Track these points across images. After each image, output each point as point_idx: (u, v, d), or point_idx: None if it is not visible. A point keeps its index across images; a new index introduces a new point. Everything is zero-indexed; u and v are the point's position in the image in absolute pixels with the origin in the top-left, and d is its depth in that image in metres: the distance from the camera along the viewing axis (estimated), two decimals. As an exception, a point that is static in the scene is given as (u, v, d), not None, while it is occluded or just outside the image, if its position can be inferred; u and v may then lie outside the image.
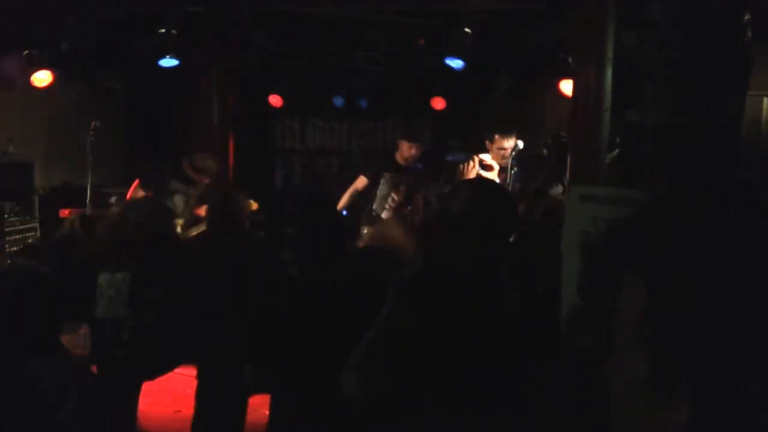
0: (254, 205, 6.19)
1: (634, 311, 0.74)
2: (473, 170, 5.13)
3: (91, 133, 5.90)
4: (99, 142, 6.07)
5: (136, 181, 5.94)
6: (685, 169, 2.37)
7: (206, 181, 6.03)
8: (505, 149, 5.15)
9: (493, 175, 5.00)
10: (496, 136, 5.34)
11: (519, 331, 2.16)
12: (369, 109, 9.01)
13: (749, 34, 2.55)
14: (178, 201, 5.96)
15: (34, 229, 6.33)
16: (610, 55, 2.38)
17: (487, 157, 5.10)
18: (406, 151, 6.06)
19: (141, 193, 5.84)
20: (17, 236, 6.16)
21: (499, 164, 5.25)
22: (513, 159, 4.94)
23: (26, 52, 6.45)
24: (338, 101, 8.88)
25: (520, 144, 4.88)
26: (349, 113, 9.29)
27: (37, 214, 6.49)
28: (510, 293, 2.22)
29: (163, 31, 6.61)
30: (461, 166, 5.33)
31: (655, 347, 0.72)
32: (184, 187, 5.99)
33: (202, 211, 5.36)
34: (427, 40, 7.31)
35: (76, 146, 6.56)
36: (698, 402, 0.68)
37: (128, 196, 5.87)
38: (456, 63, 6.69)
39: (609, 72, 2.38)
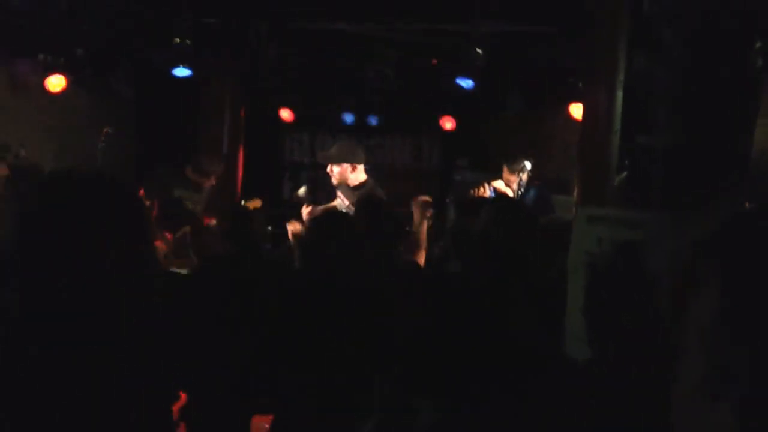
0: (258, 203, 6.19)
1: (705, 315, 0.75)
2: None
3: (103, 139, 5.94)
4: (110, 149, 6.11)
5: (140, 192, 5.95)
6: (694, 192, 2.38)
7: (213, 183, 6.02)
8: (511, 182, 5.19)
9: None
10: (505, 167, 5.37)
11: (527, 345, 2.16)
12: (378, 126, 9.05)
13: (760, 60, 2.56)
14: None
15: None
16: (620, 78, 2.39)
17: (500, 184, 5.06)
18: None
19: (146, 203, 5.84)
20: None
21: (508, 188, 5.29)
22: (520, 181, 4.97)
23: (41, 56, 6.52)
24: (348, 117, 8.92)
25: (528, 165, 4.91)
26: (358, 129, 9.33)
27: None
28: (523, 308, 2.23)
29: (178, 40, 6.68)
30: (472, 191, 5.36)
31: (716, 351, 0.73)
32: (189, 194, 5.98)
33: (212, 220, 5.39)
34: (438, 60, 7.36)
35: (87, 152, 6.60)
36: (746, 410, 0.69)
37: None
38: (466, 83, 6.72)
39: (619, 95, 2.40)
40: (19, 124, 6.88)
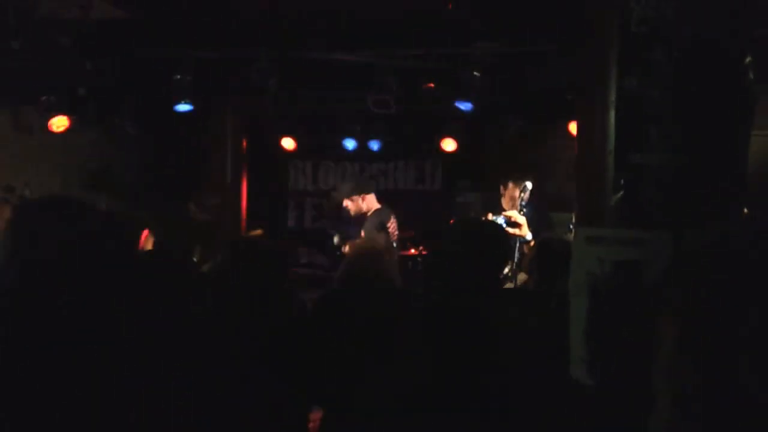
0: (259, 232, 6.25)
1: (665, 351, 0.75)
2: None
3: (105, 176, 6.00)
4: (113, 186, 6.16)
5: (146, 231, 6.00)
6: (690, 210, 2.38)
7: (209, 219, 6.11)
8: (515, 198, 5.20)
9: (523, 231, 4.94)
10: (510, 183, 5.40)
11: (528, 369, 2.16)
12: (380, 151, 9.09)
13: (751, 75, 2.57)
14: None
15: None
16: (612, 98, 2.41)
17: (514, 213, 5.02)
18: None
19: (151, 239, 5.90)
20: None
21: (509, 209, 5.28)
22: (521, 201, 4.96)
23: (44, 97, 6.60)
24: (350, 143, 8.97)
25: (529, 185, 4.91)
26: (360, 155, 9.37)
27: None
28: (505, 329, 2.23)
29: (179, 76, 6.75)
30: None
31: (675, 386, 0.73)
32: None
33: None
34: (436, 83, 7.40)
35: (90, 191, 6.66)
36: None
37: (140, 246, 5.92)
38: (465, 106, 6.76)
39: (612, 115, 2.41)
40: (24, 164, 6.94)
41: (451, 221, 6.56)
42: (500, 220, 4.97)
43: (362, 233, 5.97)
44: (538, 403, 2.29)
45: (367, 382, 2.25)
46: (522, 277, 4.77)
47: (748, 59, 2.51)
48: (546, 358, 2.61)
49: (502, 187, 5.48)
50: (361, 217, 6.13)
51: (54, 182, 7.41)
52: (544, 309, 3.22)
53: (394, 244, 6.09)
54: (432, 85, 7.53)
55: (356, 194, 6.01)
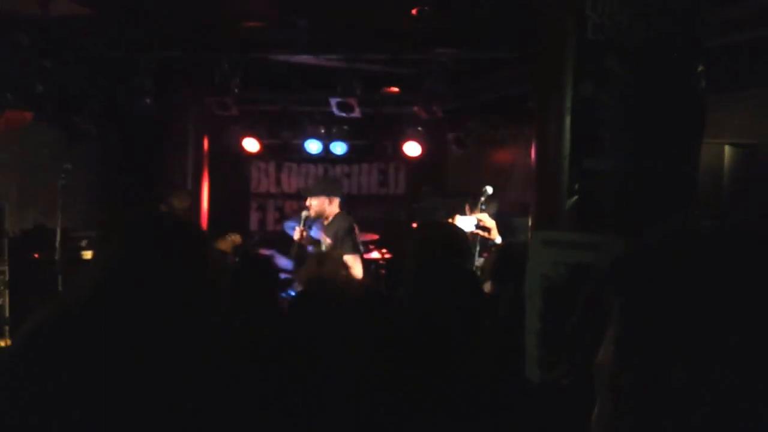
0: (238, 238, 6.22)
1: (606, 353, 0.77)
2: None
3: (63, 176, 5.91)
4: (71, 185, 6.07)
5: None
6: (642, 215, 2.43)
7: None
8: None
9: (493, 235, 4.99)
10: (467, 207, 5.47)
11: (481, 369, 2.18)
12: (344, 154, 9.11)
13: (703, 83, 2.64)
14: None
15: (3, 272, 6.26)
16: (568, 104, 2.45)
17: (484, 217, 5.06)
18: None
19: None
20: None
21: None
22: (482, 204, 5.02)
23: (1, 93, 6.48)
24: (313, 146, 8.96)
25: (489, 189, 4.97)
26: (324, 158, 9.37)
27: (6, 257, 6.42)
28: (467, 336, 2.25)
29: (140, 76, 6.69)
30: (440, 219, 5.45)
31: (617, 391, 0.75)
32: None
33: None
34: (400, 88, 7.45)
35: (48, 189, 6.55)
36: None
37: None
38: (428, 110, 6.81)
39: (567, 120, 2.45)
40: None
41: (414, 225, 6.61)
42: (470, 223, 4.99)
43: (325, 238, 5.95)
44: (493, 406, 2.32)
45: (328, 385, 2.26)
46: (487, 286, 4.82)
47: (699, 68, 2.57)
48: (500, 362, 2.65)
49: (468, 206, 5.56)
50: (321, 219, 6.11)
51: (12, 181, 7.29)
52: (499, 313, 3.26)
53: (361, 248, 6.09)
54: (395, 89, 7.57)
55: (326, 195, 5.99)
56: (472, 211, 5.43)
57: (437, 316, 2.37)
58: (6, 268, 6.32)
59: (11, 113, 6.56)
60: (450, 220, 5.40)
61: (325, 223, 5.99)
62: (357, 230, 6.00)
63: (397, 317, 2.48)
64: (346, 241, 5.72)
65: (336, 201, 6.04)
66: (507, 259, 3.62)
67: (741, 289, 0.72)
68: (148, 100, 6.82)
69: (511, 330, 2.53)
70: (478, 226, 4.98)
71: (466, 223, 4.97)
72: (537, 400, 2.46)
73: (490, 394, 2.32)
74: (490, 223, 4.98)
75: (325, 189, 6.09)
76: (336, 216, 5.98)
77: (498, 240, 4.98)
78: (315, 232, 6.38)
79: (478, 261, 4.93)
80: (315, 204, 5.97)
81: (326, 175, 9.56)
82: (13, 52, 6.16)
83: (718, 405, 0.69)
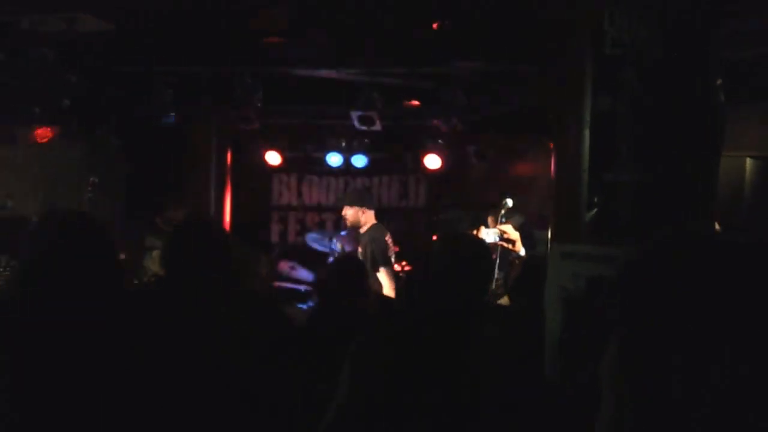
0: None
1: (610, 358, 0.79)
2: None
3: (89, 189, 6.00)
4: (97, 198, 6.16)
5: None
6: (661, 228, 2.44)
7: None
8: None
9: (517, 247, 4.96)
10: (490, 218, 5.47)
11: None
12: (364, 167, 9.15)
13: (722, 96, 2.65)
14: (157, 256, 6.08)
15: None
16: (587, 118, 2.47)
17: (509, 229, 5.02)
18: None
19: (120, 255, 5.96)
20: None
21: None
22: (502, 216, 5.01)
23: (28, 108, 6.60)
24: (334, 159, 9.01)
25: (510, 202, 4.97)
26: (345, 170, 9.42)
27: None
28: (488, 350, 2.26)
29: (164, 89, 6.79)
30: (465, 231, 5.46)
31: (620, 392, 0.77)
32: (161, 243, 6.11)
33: None
34: (420, 101, 7.48)
35: (74, 202, 6.64)
36: None
37: None
38: (449, 123, 6.84)
39: (586, 134, 2.47)
40: (7, 176, 6.93)
41: (434, 237, 6.62)
42: (494, 235, 4.96)
43: (359, 247, 6.03)
44: (510, 418, 2.33)
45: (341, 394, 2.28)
46: (504, 300, 4.81)
47: (718, 81, 2.58)
48: (518, 372, 2.65)
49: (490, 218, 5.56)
50: (355, 230, 6.20)
51: (37, 194, 7.40)
52: (521, 326, 3.26)
53: (392, 258, 6.14)
54: (416, 102, 7.61)
55: (359, 205, 6.09)
56: (496, 223, 5.44)
57: (438, 326, 2.39)
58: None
59: (38, 128, 6.68)
60: (474, 232, 5.40)
61: (361, 231, 6.08)
62: (389, 242, 6.05)
63: (404, 327, 2.48)
64: (377, 252, 5.79)
65: (369, 212, 6.12)
66: (530, 273, 3.63)
67: (740, 292, 0.74)
68: (171, 114, 6.91)
69: (520, 343, 2.54)
70: (502, 238, 4.96)
71: (490, 235, 4.95)
72: (544, 408, 2.47)
73: (494, 405, 2.33)
74: (515, 235, 4.96)
75: (358, 200, 6.20)
76: (370, 227, 6.07)
77: (522, 252, 4.96)
78: (334, 245, 6.45)
79: (499, 274, 4.92)
80: (349, 214, 6.08)
81: (361, 186, 9.59)
82: (39, 67, 6.28)
83: (718, 406, 0.71)
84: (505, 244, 4.97)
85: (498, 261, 5.00)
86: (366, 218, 6.11)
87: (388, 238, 6.07)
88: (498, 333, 2.90)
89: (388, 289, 5.74)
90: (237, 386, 2.47)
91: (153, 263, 6.06)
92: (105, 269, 2.29)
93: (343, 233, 6.71)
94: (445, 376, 2.17)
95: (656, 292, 0.77)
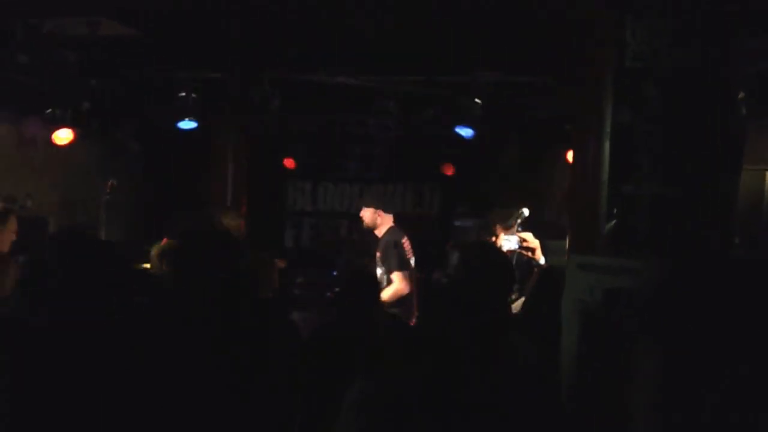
0: (282, 263, 6.32)
1: (648, 379, 0.79)
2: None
3: (108, 191, 6.05)
4: (115, 201, 6.21)
5: (164, 240, 6.10)
6: (680, 241, 2.44)
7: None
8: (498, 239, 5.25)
9: (537, 255, 4.91)
10: (498, 227, 5.43)
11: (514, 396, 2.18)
12: (380, 174, 9.17)
13: (743, 110, 2.64)
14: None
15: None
16: (607, 130, 2.47)
17: (529, 237, 4.94)
18: None
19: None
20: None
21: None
22: (519, 226, 4.98)
23: (48, 110, 6.67)
24: (350, 166, 9.05)
25: (526, 212, 4.94)
26: (360, 177, 9.45)
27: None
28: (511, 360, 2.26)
29: (183, 94, 6.85)
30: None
31: (666, 413, 0.77)
32: None
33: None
34: (437, 109, 7.49)
35: (93, 204, 6.71)
36: None
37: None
38: (466, 132, 6.84)
39: (606, 146, 2.47)
40: (26, 175, 7.00)
41: (449, 244, 6.61)
42: (514, 242, 4.88)
43: (377, 252, 6.03)
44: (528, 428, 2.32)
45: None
46: (517, 304, 4.79)
47: (740, 95, 2.58)
48: (539, 385, 2.64)
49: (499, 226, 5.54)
50: (371, 233, 6.20)
51: (56, 194, 7.47)
52: (539, 335, 3.25)
53: (412, 262, 6.13)
54: (434, 110, 7.62)
55: (375, 207, 6.09)
56: (507, 231, 5.40)
57: (453, 336, 2.38)
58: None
59: (59, 129, 6.75)
60: (494, 239, 5.37)
61: (378, 234, 6.08)
62: (407, 246, 6.04)
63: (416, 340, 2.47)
64: (392, 255, 5.79)
65: (386, 215, 6.11)
66: (551, 282, 3.60)
67: None
68: (190, 118, 6.96)
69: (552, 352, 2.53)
70: (521, 246, 4.90)
71: (510, 242, 4.89)
72: (572, 425, 2.46)
73: (525, 417, 2.32)
74: (535, 243, 4.89)
75: (375, 201, 6.21)
76: (388, 230, 6.07)
77: (542, 261, 4.92)
78: None
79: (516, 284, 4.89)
80: (366, 215, 6.08)
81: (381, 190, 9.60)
82: (61, 70, 6.35)
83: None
84: (524, 252, 4.93)
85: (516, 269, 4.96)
86: (382, 221, 6.10)
87: (405, 242, 6.06)
88: (524, 345, 2.90)
89: (396, 292, 5.74)
90: (239, 396, 2.47)
91: None
92: (108, 276, 2.35)
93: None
94: (462, 387, 2.16)
95: (693, 315, 0.77)
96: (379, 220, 6.08)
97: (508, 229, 5.22)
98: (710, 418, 0.70)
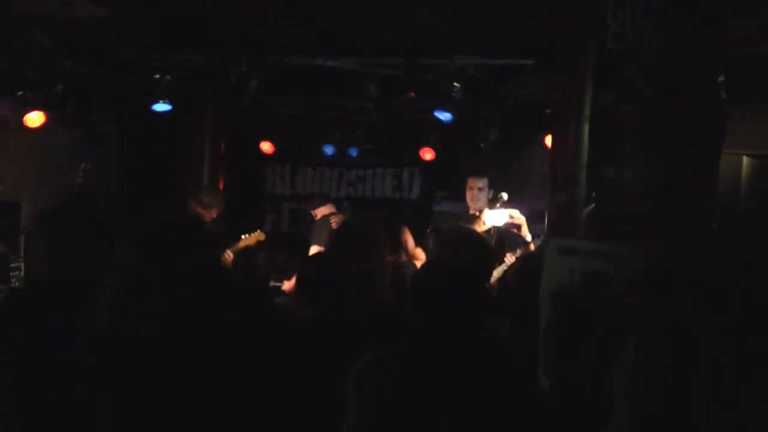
0: (261, 236, 6.33)
1: (626, 366, 0.76)
2: (479, 223, 5.18)
3: (81, 174, 5.97)
4: (88, 184, 6.12)
5: None
6: (660, 224, 2.43)
7: (214, 215, 6.26)
8: (472, 189, 5.37)
9: (524, 231, 4.90)
10: (468, 180, 5.54)
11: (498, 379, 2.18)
12: (359, 158, 9.13)
13: (723, 94, 2.63)
14: None
15: (18, 269, 6.32)
16: (587, 113, 2.45)
17: (515, 213, 4.92)
18: None
19: None
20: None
21: (473, 208, 5.41)
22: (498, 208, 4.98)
23: (20, 92, 6.54)
24: (329, 149, 8.98)
25: (505, 196, 4.94)
26: (339, 161, 9.40)
27: (22, 253, 6.48)
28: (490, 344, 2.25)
29: (158, 76, 6.74)
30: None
31: (639, 403, 0.74)
32: None
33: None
34: (417, 93, 7.45)
35: (65, 187, 6.60)
36: None
37: None
38: (445, 116, 6.81)
39: (586, 129, 2.45)
40: (-1, 160, 6.88)
41: (428, 229, 6.61)
42: (501, 218, 4.84)
43: None
44: (510, 414, 2.32)
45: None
46: (496, 273, 4.84)
47: (720, 78, 2.57)
48: (520, 369, 2.64)
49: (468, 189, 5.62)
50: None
51: (29, 178, 7.35)
52: (520, 320, 3.24)
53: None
54: (413, 94, 7.57)
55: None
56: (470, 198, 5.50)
57: (436, 322, 2.37)
58: (22, 264, 6.38)
59: (31, 112, 6.63)
60: (478, 214, 5.38)
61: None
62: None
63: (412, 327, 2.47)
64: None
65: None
66: (534, 268, 3.59)
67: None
68: (165, 101, 6.86)
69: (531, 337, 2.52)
70: (508, 222, 4.89)
71: (496, 218, 4.85)
72: (543, 409, 2.46)
73: (508, 401, 2.32)
74: (521, 219, 4.88)
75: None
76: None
77: (528, 237, 4.91)
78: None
79: (511, 255, 4.93)
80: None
81: (364, 175, 9.73)
82: (33, 52, 6.22)
83: (746, 413, 0.69)
84: (511, 229, 4.92)
85: (504, 244, 4.97)
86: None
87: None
88: (508, 326, 2.89)
89: None
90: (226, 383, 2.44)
91: None
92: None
93: None
94: (458, 380, 2.15)
95: (681, 299, 0.74)
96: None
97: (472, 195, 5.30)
98: (691, 407, 0.68)
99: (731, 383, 0.70)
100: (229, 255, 5.90)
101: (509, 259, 5.02)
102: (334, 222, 6.47)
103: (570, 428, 2.03)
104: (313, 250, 6.05)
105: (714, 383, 0.72)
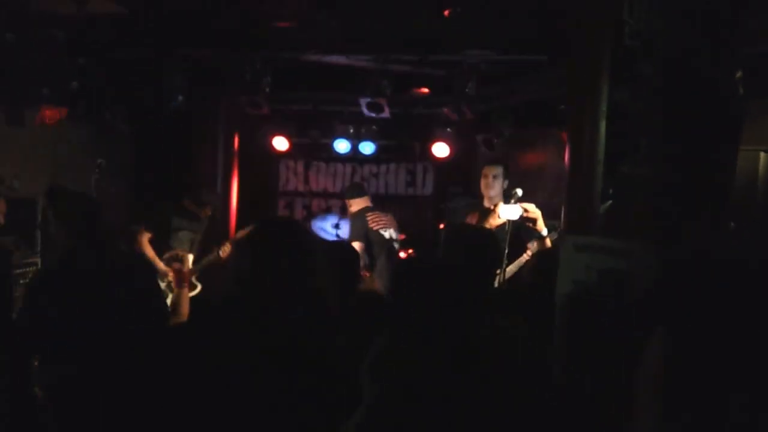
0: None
1: (654, 365, 0.77)
2: (494, 217, 5.23)
3: (96, 171, 6.02)
4: (104, 181, 6.16)
5: (141, 228, 6.18)
6: (676, 221, 2.42)
7: (209, 213, 6.29)
8: (486, 177, 5.45)
9: (539, 226, 4.87)
10: (483, 167, 5.62)
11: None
12: (372, 154, 9.12)
13: (741, 90, 2.61)
14: (184, 237, 6.17)
15: (35, 264, 6.37)
16: (603, 109, 2.44)
17: (530, 207, 4.87)
18: None
19: (147, 235, 6.10)
20: (18, 270, 6.20)
21: (487, 196, 5.51)
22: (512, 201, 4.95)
23: (36, 90, 6.58)
24: (342, 145, 8.98)
25: (519, 192, 4.91)
26: (352, 157, 9.39)
27: (38, 249, 6.54)
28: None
29: (172, 73, 6.77)
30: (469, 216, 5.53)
31: (669, 399, 0.74)
32: (188, 223, 6.24)
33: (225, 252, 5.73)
34: (430, 89, 7.45)
35: (81, 184, 6.62)
36: None
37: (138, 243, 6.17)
38: (458, 112, 6.80)
39: (602, 126, 2.44)
40: (13, 156, 6.92)
41: (441, 225, 6.62)
42: (515, 212, 4.79)
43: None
44: (522, 412, 2.31)
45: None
46: (511, 268, 4.84)
47: (738, 74, 2.55)
48: (531, 366, 2.63)
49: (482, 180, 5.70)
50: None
51: (44, 175, 7.39)
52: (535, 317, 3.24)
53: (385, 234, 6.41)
54: (425, 90, 7.57)
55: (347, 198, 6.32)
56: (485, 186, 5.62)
57: (460, 322, 2.37)
58: (38, 260, 6.44)
59: (47, 109, 6.67)
60: (493, 208, 5.39)
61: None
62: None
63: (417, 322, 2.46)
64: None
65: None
66: (551, 265, 3.58)
67: None
68: (180, 98, 6.89)
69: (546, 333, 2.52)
70: (523, 217, 4.85)
71: (510, 212, 4.81)
72: (560, 407, 2.45)
73: (518, 399, 2.31)
74: (536, 213, 4.82)
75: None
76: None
77: (544, 232, 4.88)
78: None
79: (530, 248, 4.97)
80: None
81: (377, 171, 9.82)
82: (49, 49, 6.26)
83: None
84: (527, 223, 4.89)
85: (521, 237, 4.99)
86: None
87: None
88: (507, 323, 2.88)
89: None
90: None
91: (179, 244, 6.14)
92: None
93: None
94: (460, 370, 2.15)
95: (707, 300, 0.74)
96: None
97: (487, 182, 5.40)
98: (708, 406, 0.68)
99: (759, 378, 0.70)
100: (227, 247, 5.99)
101: (529, 252, 5.04)
102: (371, 219, 6.45)
103: (578, 423, 2.03)
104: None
105: (740, 377, 0.72)
